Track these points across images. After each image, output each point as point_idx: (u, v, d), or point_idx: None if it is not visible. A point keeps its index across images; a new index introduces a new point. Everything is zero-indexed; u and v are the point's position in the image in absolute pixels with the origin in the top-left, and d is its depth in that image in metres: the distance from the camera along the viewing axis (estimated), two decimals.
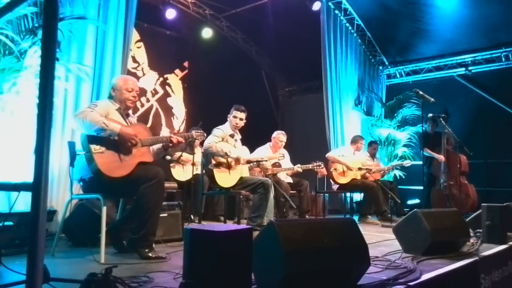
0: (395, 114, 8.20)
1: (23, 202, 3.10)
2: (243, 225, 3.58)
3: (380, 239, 3.97)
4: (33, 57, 3.18)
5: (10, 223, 2.41)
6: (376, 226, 5.35)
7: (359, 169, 6.02)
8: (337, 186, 6.05)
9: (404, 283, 2.24)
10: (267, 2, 7.30)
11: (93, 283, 1.66)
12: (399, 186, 6.92)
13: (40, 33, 3.41)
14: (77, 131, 3.16)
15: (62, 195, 3.92)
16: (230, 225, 1.88)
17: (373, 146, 6.89)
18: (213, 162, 4.03)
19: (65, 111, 4.14)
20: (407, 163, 6.61)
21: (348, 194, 6.56)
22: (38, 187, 0.98)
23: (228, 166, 4.10)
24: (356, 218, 6.16)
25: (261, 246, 2.03)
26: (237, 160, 4.10)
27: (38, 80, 2.40)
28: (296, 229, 2.06)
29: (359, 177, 6.02)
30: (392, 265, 2.67)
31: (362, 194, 6.33)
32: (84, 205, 3.51)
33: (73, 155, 3.06)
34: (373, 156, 6.80)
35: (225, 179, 4.04)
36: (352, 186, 6.01)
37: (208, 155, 4.05)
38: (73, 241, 3.43)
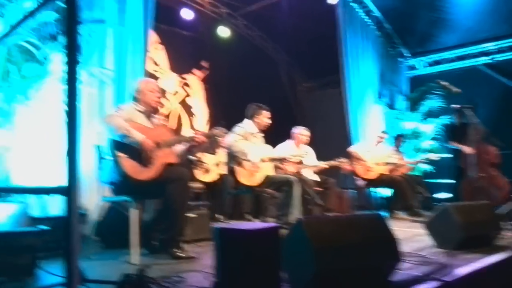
0: (419, 107, 8.04)
1: (56, 206, 3.17)
2: (265, 223, 3.59)
3: (410, 234, 3.89)
4: (56, 63, 3.24)
5: (46, 227, 2.46)
6: (406, 222, 5.26)
7: (386, 163, 5.92)
8: (363, 182, 5.97)
9: (437, 278, 2.19)
10: None
11: (127, 283, 1.68)
12: (427, 180, 6.78)
13: (60, 38, 3.47)
14: (103, 135, 3.20)
15: (92, 197, 3.98)
16: (258, 224, 1.88)
17: (399, 140, 6.76)
18: (235, 161, 4.03)
19: (90, 114, 4.20)
20: (435, 156, 6.47)
21: (375, 190, 6.47)
22: (71, 191, 0.99)
23: (250, 164, 4.08)
24: (384, 214, 6.09)
25: (290, 244, 2.02)
26: (255, 165, 4.07)
27: (61, 85, 2.44)
28: (325, 226, 2.05)
29: (385, 172, 5.93)
30: (424, 261, 2.62)
31: (391, 190, 6.22)
32: (114, 207, 3.56)
33: (100, 159, 3.11)
34: (398, 149, 6.69)
35: (248, 177, 4.04)
36: (379, 181, 5.90)
37: (231, 154, 4.05)
38: (106, 243, 3.49)
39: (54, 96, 3.42)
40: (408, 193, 5.56)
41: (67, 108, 1.05)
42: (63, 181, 2.23)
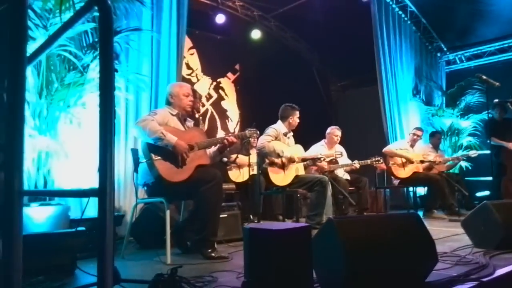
0: (458, 102, 7.77)
1: (94, 208, 3.30)
2: (298, 223, 3.57)
3: (448, 234, 3.79)
4: (95, 71, 3.37)
5: (84, 228, 2.58)
6: (443, 221, 5.11)
7: (421, 161, 5.77)
8: (398, 180, 5.85)
9: (476, 279, 2.12)
10: None
11: (160, 283, 1.74)
12: (466, 178, 6.54)
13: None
14: (138, 139, 3.31)
15: (129, 200, 4.12)
16: (288, 224, 1.89)
17: (436, 137, 6.58)
18: (267, 161, 4.06)
19: (127, 119, 4.35)
20: (474, 153, 6.24)
21: (410, 189, 6.32)
22: (104, 192, 1.04)
23: (283, 165, 4.10)
24: (421, 213, 5.94)
25: (321, 244, 2.01)
26: (291, 160, 4.09)
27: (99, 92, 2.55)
28: (356, 226, 2.02)
29: (421, 170, 5.78)
30: (462, 261, 2.55)
31: (426, 188, 6.06)
32: (149, 208, 3.68)
33: (136, 162, 3.22)
34: (436, 147, 6.50)
35: (280, 178, 4.06)
36: (414, 180, 5.77)
37: (262, 155, 4.09)
38: (141, 244, 3.60)
39: (94, 102, 3.55)
40: (446, 191, 5.40)
41: (100, 113, 1.10)
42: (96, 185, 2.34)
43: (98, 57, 3.43)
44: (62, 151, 3.25)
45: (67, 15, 3.02)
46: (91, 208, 3.13)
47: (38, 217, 2.76)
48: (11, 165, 1.14)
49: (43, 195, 2.84)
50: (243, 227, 3.49)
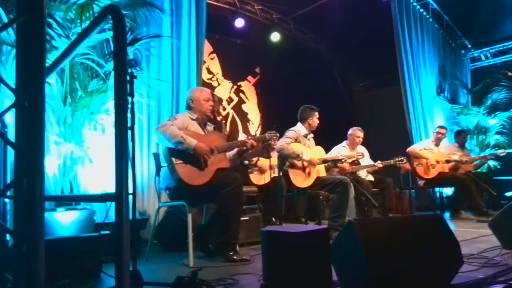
0: (484, 100, 7.56)
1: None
2: (320, 225, 3.55)
3: (475, 235, 3.69)
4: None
5: (107, 231, 2.63)
6: (471, 222, 4.97)
7: (447, 161, 5.64)
8: (424, 181, 5.73)
9: (504, 281, 2.06)
10: None
11: (181, 286, 1.75)
12: (494, 177, 6.35)
13: None
14: (160, 144, 3.35)
15: (152, 203, 4.19)
16: (306, 226, 1.88)
17: (461, 136, 6.42)
18: (287, 163, 4.05)
19: (150, 125, 4.42)
20: (502, 152, 6.06)
21: (437, 189, 6.18)
22: (120, 197, 1.06)
23: (303, 167, 4.08)
24: (448, 214, 5.81)
25: (341, 246, 1.99)
26: (311, 162, 4.06)
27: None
28: (378, 228, 1.99)
29: (447, 170, 5.64)
30: (490, 263, 2.48)
31: (453, 188, 5.92)
32: (172, 212, 3.73)
33: (158, 166, 3.27)
34: (462, 146, 6.35)
35: (301, 180, 4.04)
36: (440, 180, 5.64)
37: (282, 157, 4.08)
38: (165, 247, 3.65)
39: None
40: (473, 191, 5.25)
41: (116, 119, 1.13)
42: (128, 190, 2.39)
43: None
44: (87, 156, 3.33)
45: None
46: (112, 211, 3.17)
47: (64, 221, 2.84)
48: (32, 172, 1.17)
49: (63, 200, 2.92)
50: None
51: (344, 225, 3.64)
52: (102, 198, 1.16)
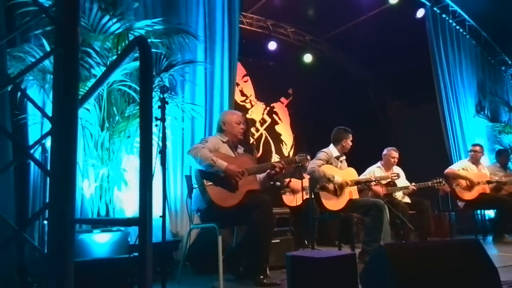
0: None
1: (154, 234, 3.44)
2: (347, 250, 3.47)
3: None
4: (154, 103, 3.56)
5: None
6: None
7: (488, 182, 5.40)
8: (464, 203, 5.50)
9: None
10: (366, 17, 7.17)
11: None
12: None
13: (156, 80, 3.83)
14: (193, 166, 3.42)
15: (185, 225, 4.24)
16: (333, 251, 1.84)
17: (503, 155, 6.15)
18: (318, 185, 4.01)
19: (184, 147, 4.52)
20: None
21: (478, 211, 5.92)
22: (144, 221, 1.09)
23: (335, 190, 4.03)
24: (490, 237, 5.54)
25: (372, 272, 1.94)
26: (342, 186, 4.00)
27: (156, 123, 2.68)
28: (410, 253, 1.93)
29: (488, 191, 5.40)
30: None
31: (495, 210, 5.65)
32: (204, 234, 3.75)
33: (190, 188, 3.33)
34: (504, 166, 6.07)
35: (332, 202, 3.98)
36: (481, 201, 5.40)
37: (314, 179, 4.05)
38: (196, 269, 3.67)
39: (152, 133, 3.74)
40: None
41: (140, 145, 1.17)
42: (159, 212, 2.46)
43: (154, 89, 3.65)
44: (122, 179, 3.44)
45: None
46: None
47: (100, 242, 2.93)
48: (64, 196, 1.23)
49: (93, 224, 3.01)
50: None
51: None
52: (127, 222, 1.21)
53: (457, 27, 7.54)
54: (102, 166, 3.30)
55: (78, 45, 1.32)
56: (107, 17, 3.40)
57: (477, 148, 5.72)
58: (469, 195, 5.39)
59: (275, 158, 7.75)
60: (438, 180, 4.96)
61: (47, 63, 3.09)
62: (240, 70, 7.55)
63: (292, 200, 5.57)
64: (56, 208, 1.22)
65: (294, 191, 5.57)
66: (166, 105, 2.40)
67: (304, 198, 4.80)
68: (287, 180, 5.49)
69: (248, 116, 7.67)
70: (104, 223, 2.81)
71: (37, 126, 3.36)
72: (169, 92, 4.11)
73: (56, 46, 1.31)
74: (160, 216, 2.31)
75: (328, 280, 1.50)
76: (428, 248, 2.10)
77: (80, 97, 1.60)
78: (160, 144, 2.39)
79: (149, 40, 3.51)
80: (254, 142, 7.35)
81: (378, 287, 1.88)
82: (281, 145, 8.09)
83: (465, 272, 1.94)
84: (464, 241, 2.48)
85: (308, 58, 8.21)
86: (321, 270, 1.50)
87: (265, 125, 7.95)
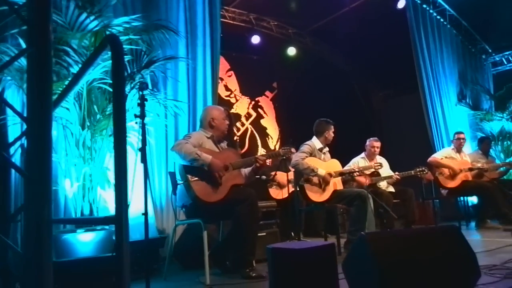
0: (507, 105, 7.34)
1: (139, 232, 3.45)
2: (332, 241, 3.51)
3: (500, 245, 3.58)
4: (132, 100, 3.53)
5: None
6: (497, 231, 4.81)
7: (470, 169, 5.50)
8: (447, 190, 5.59)
9: None
10: (349, 9, 7.19)
11: None
12: None
13: (137, 77, 3.80)
14: (176, 162, 3.41)
15: (172, 221, 4.24)
16: (313, 242, 1.86)
17: (485, 142, 6.27)
18: (303, 178, 4.04)
19: (167, 144, 4.50)
20: None
21: (462, 198, 6.02)
22: (119, 219, 1.10)
23: (319, 182, 4.06)
24: (473, 223, 5.65)
25: (354, 261, 1.97)
26: (325, 179, 4.03)
27: (136, 120, 2.66)
28: (390, 241, 1.97)
29: (470, 178, 5.50)
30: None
31: (478, 197, 5.75)
32: (190, 229, 3.76)
33: (174, 184, 3.33)
34: (486, 153, 6.18)
35: (317, 194, 4.02)
36: (464, 189, 5.49)
37: (298, 172, 4.08)
38: (183, 265, 3.68)
39: (131, 130, 3.71)
40: (499, 199, 5.09)
41: (115, 144, 1.17)
42: (142, 209, 2.45)
43: (136, 87, 3.63)
44: (106, 178, 3.42)
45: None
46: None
47: (84, 242, 2.91)
48: (40, 196, 1.22)
49: (70, 223, 3.00)
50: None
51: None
52: (104, 221, 1.21)
53: (438, 17, 7.61)
54: (84, 165, 3.28)
55: (51, 44, 1.31)
56: (84, 15, 3.36)
57: (462, 135, 5.81)
58: (452, 183, 5.47)
59: (261, 152, 7.76)
60: (420, 169, 5.03)
61: (25, 62, 3.04)
62: (224, 64, 7.53)
63: (278, 193, 5.60)
64: (32, 209, 1.21)
65: (280, 184, 5.60)
66: (145, 102, 2.39)
67: (290, 191, 4.83)
68: (273, 173, 5.51)
69: (233, 111, 7.67)
70: (82, 222, 2.80)
71: (17, 127, 3.32)
72: (151, 89, 4.10)
73: (28, 46, 1.30)
74: (143, 214, 2.31)
75: (308, 270, 1.53)
76: (408, 235, 2.13)
77: (57, 96, 1.59)
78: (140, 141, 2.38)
79: (128, 37, 3.49)
80: (238, 139, 7.34)
81: (360, 275, 1.91)
82: (267, 139, 8.11)
83: (444, 258, 1.98)
84: (443, 228, 2.52)
85: (292, 51, 8.21)
86: (300, 261, 1.52)
87: (250, 120, 7.96)
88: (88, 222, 2.62)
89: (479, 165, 5.60)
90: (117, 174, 1.17)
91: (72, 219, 3.08)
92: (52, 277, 1.20)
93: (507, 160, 6.81)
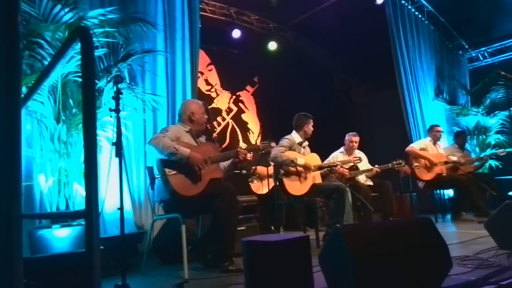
0: (483, 100, 7.52)
1: (116, 226, 3.42)
2: (302, 233, 3.54)
3: (474, 236, 3.68)
4: (109, 94, 3.48)
5: (102, 247, 2.65)
6: (472, 223, 4.94)
7: (445, 162, 5.62)
8: (423, 183, 5.70)
9: (495, 282, 2.05)
10: (329, 4, 7.23)
11: None
12: (496, 177, 6.30)
13: (114, 70, 3.74)
14: (154, 157, 3.39)
15: (150, 217, 4.21)
16: (287, 235, 1.88)
17: (461, 137, 6.41)
18: (282, 171, 4.06)
19: (146, 138, 4.46)
20: (502, 152, 6.01)
21: (438, 191, 6.15)
22: (90, 213, 1.08)
23: (298, 175, 4.09)
24: (449, 216, 5.78)
25: (330, 253, 2.00)
26: (306, 167, 4.08)
27: (113, 114, 2.62)
28: (365, 233, 1.99)
29: (445, 172, 5.62)
30: (484, 264, 2.47)
31: (454, 190, 5.89)
32: (169, 224, 3.74)
33: (152, 179, 3.30)
34: (462, 147, 6.32)
35: (296, 187, 4.05)
36: (440, 182, 5.61)
37: (277, 165, 4.10)
38: (162, 259, 3.66)
39: (108, 125, 3.66)
40: (474, 192, 5.22)
41: (84, 136, 1.15)
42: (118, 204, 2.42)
43: (112, 81, 3.57)
44: (82, 173, 3.36)
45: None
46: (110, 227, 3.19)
47: (60, 237, 2.87)
48: (9, 191, 1.20)
49: (39, 218, 2.95)
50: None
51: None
52: (74, 215, 1.19)
53: (416, 13, 7.71)
54: (60, 160, 3.22)
55: (19, 35, 1.27)
56: (59, 7, 3.28)
57: (438, 128, 5.92)
58: (427, 176, 5.58)
59: (242, 146, 7.76)
60: (398, 162, 5.11)
61: None
62: (204, 59, 7.48)
63: (259, 187, 5.62)
64: (0, 204, 1.19)
65: (261, 178, 5.61)
66: (121, 95, 2.36)
67: (271, 185, 4.85)
68: (253, 168, 5.52)
69: (214, 105, 7.64)
70: (52, 217, 2.76)
71: None
72: (128, 82, 4.05)
73: None
74: (118, 209, 2.28)
75: (282, 262, 1.54)
76: (382, 227, 2.16)
77: (28, 90, 1.55)
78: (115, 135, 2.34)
79: (103, 29, 3.43)
80: (216, 136, 7.31)
81: (336, 267, 1.94)
82: (248, 133, 8.11)
83: (417, 249, 2.02)
84: (416, 220, 2.58)
85: (272, 45, 8.21)
86: (274, 253, 1.53)
87: (231, 114, 7.94)
88: (58, 217, 2.58)
89: (454, 158, 5.73)
90: (86, 168, 1.15)
91: (42, 214, 3.03)
92: (23, 274, 1.18)
93: (482, 154, 6.98)
